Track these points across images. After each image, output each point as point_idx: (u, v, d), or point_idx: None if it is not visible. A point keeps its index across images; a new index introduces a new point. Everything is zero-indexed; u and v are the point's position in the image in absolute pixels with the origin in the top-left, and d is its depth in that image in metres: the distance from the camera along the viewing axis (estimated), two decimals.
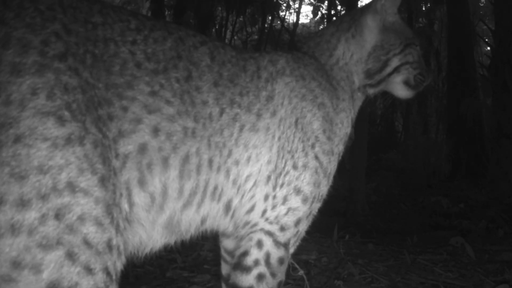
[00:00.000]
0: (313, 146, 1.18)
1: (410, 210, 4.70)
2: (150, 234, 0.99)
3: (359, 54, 1.37)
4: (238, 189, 1.10)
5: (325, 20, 13.70)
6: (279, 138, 1.13)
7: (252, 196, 1.12)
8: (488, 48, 10.67)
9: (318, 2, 13.81)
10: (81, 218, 0.75)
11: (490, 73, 6.28)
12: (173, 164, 0.95)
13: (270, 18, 11.45)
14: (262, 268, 1.11)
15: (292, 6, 14.76)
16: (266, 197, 1.12)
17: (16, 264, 0.70)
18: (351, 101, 1.35)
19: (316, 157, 1.18)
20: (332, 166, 1.24)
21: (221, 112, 1.05)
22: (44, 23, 0.79)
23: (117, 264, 0.82)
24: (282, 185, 1.13)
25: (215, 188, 1.05)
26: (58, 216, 0.73)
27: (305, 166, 1.16)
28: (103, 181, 0.79)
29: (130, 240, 0.94)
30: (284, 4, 13.92)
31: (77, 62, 0.80)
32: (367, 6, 1.43)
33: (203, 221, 1.07)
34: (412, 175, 6.92)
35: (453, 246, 2.84)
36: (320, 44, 1.40)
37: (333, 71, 1.34)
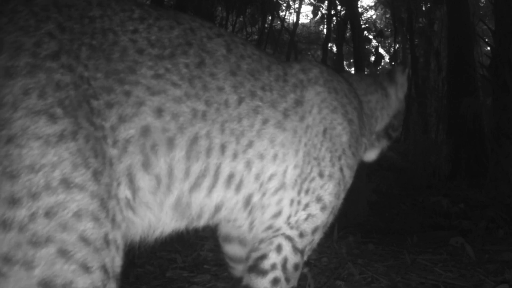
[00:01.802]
0: (339, 158, 1.19)
1: (410, 210, 4.70)
2: (159, 217, 0.98)
3: (386, 109, 1.53)
4: (260, 186, 1.09)
5: (325, 20, 13.70)
6: (305, 144, 1.13)
7: (280, 200, 1.12)
8: (488, 48, 10.67)
9: (318, 2, 13.81)
10: (78, 215, 0.75)
11: (490, 73, 6.27)
12: (179, 144, 0.94)
13: (270, 18, 11.44)
14: (278, 273, 1.11)
15: (292, 6, 14.78)
16: (292, 202, 1.13)
17: (7, 260, 0.70)
18: (367, 137, 1.45)
19: (341, 169, 1.20)
20: (350, 181, 1.27)
21: (240, 100, 1.03)
22: (38, 24, 0.80)
23: (116, 259, 0.81)
24: (307, 191, 1.13)
25: (231, 176, 1.04)
26: (48, 214, 0.72)
27: (330, 176, 1.17)
28: (96, 174, 0.79)
29: (138, 225, 0.95)
30: (284, 4, 13.93)
31: (71, 58, 0.81)
32: (402, 82, 1.63)
33: (217, 208, 1.06)
34: (412, 175, 6.91)
35: (453, 246, 2.84)
36: (360, 82, 1.51)
37: (364, 104, 1.43)
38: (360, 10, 15.39)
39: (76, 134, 0.77)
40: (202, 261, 2.40)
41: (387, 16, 17.23)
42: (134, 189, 0.90)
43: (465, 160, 7.31)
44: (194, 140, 0.96)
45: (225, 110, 1.00)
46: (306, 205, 1.14)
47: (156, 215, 0.97)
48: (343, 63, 14.83)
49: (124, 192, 0.87)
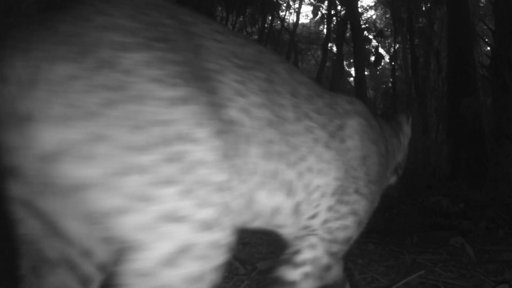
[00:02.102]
0: (373, 184, 1.35)
1: (410, 210, 4.70)
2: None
3: (399, 151, 1.76)
4: (308, 195, 1.19)
5: (325, 20, 13.70)
6: (345, 163, 1.26)
7: (318, 205, 1.23)
8: (488, 48, 10.68)
9: (318, 2, 13.81)
10: (197, 162, 0.83)
11: (490, 73, 6.27)
12: (256, 142, 1.03)
13: (270, 18, 11.44)
14: (309, 268, 1.20)
15: (292, 6, 14.78)
16: (329, 209, 1.23)
17: (134, 196, 0.78)
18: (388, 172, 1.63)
19: (371, 193, 1.34)
20: (374, 206, 1.41)
21: (297, 118, 1.15)
22: (138, 16, 0.87)
23: (233, 203, 0.89)
24: (345, 203, 1.25)
25: (290, 184, 1.14)
26: (177, 159, 0.81)
27: (366, 195, 1.30)
28: (218, 134, 0.88)
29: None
30: (284, 4, 13.93)
31: (175, 45, 0.89)
32: (407, 131, 1.88)
33: (274, 211, 1.15)
34: (412, 175, 6.92)
35: (453, 246, 2.84)
36: (386, 125, 1.68)
37: (388, 144, 1.58)
38: (360, 10, 15.39)
39: (199, 99, 0.86)
40: None
41: (387, 16, 17.23)
42: (245, 163, 1.00)
43: (465, 160, 7.31)
44: (267, 143, 1.06)
45: (286, 125, 1.11)
46: (343, 216, 1.25)
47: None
48: (343, 63, 14.83)
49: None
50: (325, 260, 1.22)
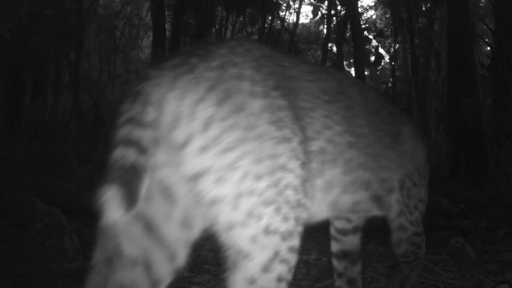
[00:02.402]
0: (423, 177, 1.67)
1: None
2: (320, 208, 1.32)
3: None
4: (382, 185, 1.50)
5: (325, 20, 13.70)
6: (403, 160, 1.59)
7: (391, 198, 1.55)
8: (488, 48, 10.68)
9: (318, 2, 13.80)
10: (286, 186, 1.07)
11: (490, 73, 6.26)
12: (338, 164, 1.31)
13: (270, 18, 11.44)
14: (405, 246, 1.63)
15: (292, 6, 14.77)
16: (398, 201, 1.57)
17: (249, 214, 1.01)
18: None
19: (423, 186, 1.68)
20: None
21: (372, 132, 1.44)
22: (259, 67, 1.13)
23: (301, 212, 1.12)
24: (411, 197, 1.60)
25: (368, 182, 1.44)
26: (276, 185, 1.05)
27: (422, 185, 1.66)
28: (303, 165, 1.13)
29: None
30: (284, 4, 13.92)
31: (283, 91, 1.15)
32: None
33: (355, 203, 1.44)
34: None
35: (453, 246, 2.84)
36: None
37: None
38: (360, 10, 15.38)
39: (293, 139, 1.11)
40: (202, 261, 2.40)
41: (387, 16, 17.22)
42: (312, 185, 1.22)
43: (465, 160, 7.31)
44: (347, 161, 1.34)
45: (363, 140, 1.40)
46: (416, 206, 1.61)
47: (317, 207, 1.29)
48: (343, 63, 14.82)
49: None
50: (415, 238, 1.64)
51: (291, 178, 1.08)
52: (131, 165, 0.92)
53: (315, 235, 2.82)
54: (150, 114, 0.97)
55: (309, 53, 18.74)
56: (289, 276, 1.07)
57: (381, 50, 14.99)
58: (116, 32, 16.47)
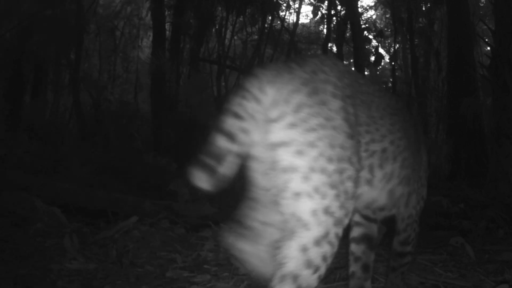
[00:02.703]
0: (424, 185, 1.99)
1: None
2: (380, 195, 1.61)
3: None
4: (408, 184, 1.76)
5: (325, 20, 13.70)
6: (419, 165, 1.87)
7: (410, 194, 1.82)
8: (488, 48, 10.67)
9: (318, 2, 13.79)
10: (348, 177, 1.27)
11: (490, 73, 6.27)
12: (397, 160, 1.60)
13: (270, 18, 11.43)
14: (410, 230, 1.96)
15: (292, 6, 14.76)
16: (412, 192, 1.83)
17: (316, 189, 1.19)
18: None
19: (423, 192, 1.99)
20: None
21: (405, 142, 1.67)
22: (341, 78, 1.38)
23: (351, 205, 1.29)
24: (418, 194, 1.89)
25: (409, 179, 1.73)
26: (340, 173, 1.25)
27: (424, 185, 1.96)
28: (359, 160, 1.35)
29: (367, 196, 1.56)
30: (284, 4, 13.91)
31: (354, 101, 1.39)
32: None
33: (401, 196, 1.72)
34: None
35: (453, 246, 2.84)
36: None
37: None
38: (360, 10, 15.37)
39: (353, 137, 1.32)
40: (202, 261, 2.40)
41: (387, 16, 17.22)
42: (372, 175, 1.51)
43: (465, 160, 7.32)
44: (403, 160, 1.64)
45: (410, 144, 1.69)
46: (420, 199, 1.91)
47: (378, 194, 1.59)
48: (343, 63, 14.80)
49: (365, 175, 1.47)
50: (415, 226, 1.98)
51: (352, 171, 1.29)
52: (220, 150, 1.16)
53: None
54: (247, 105, 1.19)
55: (309, 53, 18.74)
56: (329, 261, 1.21)
57: (381, 50, 15.00)
58: (116, 32, 16.48)
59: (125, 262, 2.29)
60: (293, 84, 1.25)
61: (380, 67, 16.69)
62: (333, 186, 1.21)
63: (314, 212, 1.18)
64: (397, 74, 14.92)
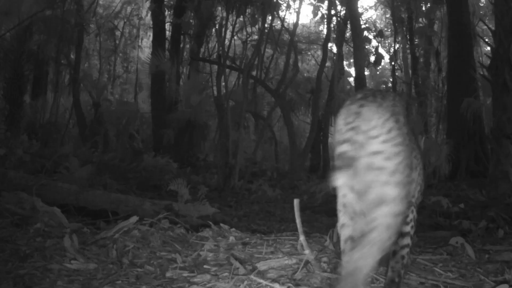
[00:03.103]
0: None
1: None
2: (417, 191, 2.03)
3: None
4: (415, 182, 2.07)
5: (325, 20, 13.70)
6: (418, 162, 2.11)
7: (416, 188, 2.09)
8: (488, 48, 10.67)
9: (318, 2, 13.81)
10: (417, 185, 1.93)
11: (490, 73, 6.27)
12: (416, 168, 1.95)
13: (270, 18, 11.44)
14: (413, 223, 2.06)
15: (292, 6, 14.77)
16: (416, 188, 2.09)
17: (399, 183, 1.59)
18: None
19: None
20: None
21: (413, 148, 1.94)
22: (404, 112, 1.78)
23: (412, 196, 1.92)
24: (420, 184, 2.12)
25: (413, 179, 2.00)
26: (410, 182, 1.75)
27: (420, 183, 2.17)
28: (416, 167, 1.91)
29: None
30: (284, 4, 13.93)
31: (400, 116, 1.72)
32: None
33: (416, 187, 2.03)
34: None
35: (453, 246, 2.84)
36: None
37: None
38: (360, 10, 15.38)
39: (414, 150, 1.86)
40: (202, 261, 2.40)
41: (387, 16, 17.23)
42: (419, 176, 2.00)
43: (465, 160, 7.33)
44: (422, 164, 2.03)
45: (412, 158, 1.91)
46: (420, 190, 2.12)
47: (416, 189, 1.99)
48: (343, 63, 14.83)
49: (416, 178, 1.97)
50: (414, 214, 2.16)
51: (418, 179, 1.91)
52: (351, 156, 1.59)
53: (315, 235, 2.82)
54: (361, 127, 1.62)
55: (309, 53, 18.75)
56: (391, 240, 1.58)
57: (381, 50, 15.01)
58: (116, 32, 16.48)
59: (125, 262, 2.29)
60: (385, 115, 1.71)
61: (380, 67, 16.70)
62: (406, 183, 1.61)
63: (395, 197, 1.60)
64: (397, 74, 14.92)
